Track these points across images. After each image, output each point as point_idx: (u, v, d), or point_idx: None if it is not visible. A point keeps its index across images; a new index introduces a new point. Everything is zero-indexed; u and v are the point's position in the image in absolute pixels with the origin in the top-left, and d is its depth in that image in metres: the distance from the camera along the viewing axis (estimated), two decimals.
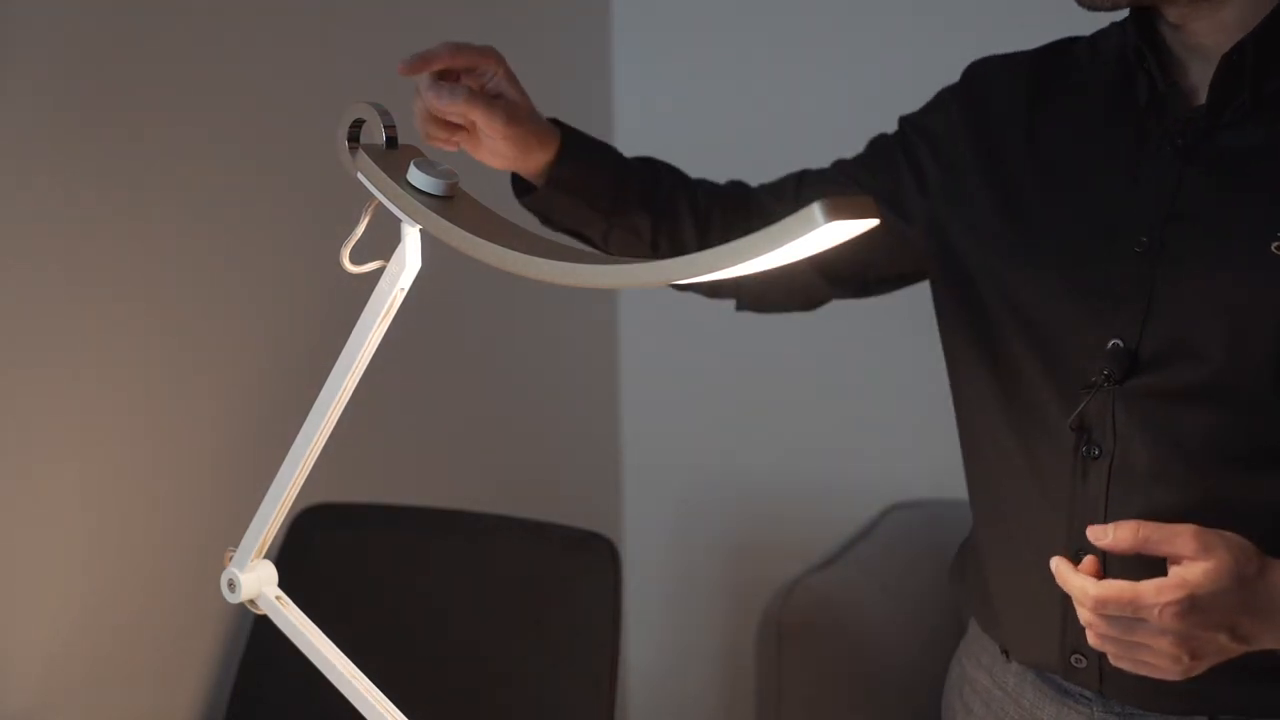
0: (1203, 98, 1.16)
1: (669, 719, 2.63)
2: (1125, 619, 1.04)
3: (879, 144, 1.41)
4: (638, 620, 2.60)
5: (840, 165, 1.45)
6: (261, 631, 1.77)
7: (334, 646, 1.09)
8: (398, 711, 1.06)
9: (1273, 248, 1.10)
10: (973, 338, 1.29)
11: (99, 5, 1.65)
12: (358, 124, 1.04)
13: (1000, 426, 1.27)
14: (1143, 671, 1.07)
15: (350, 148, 1.04)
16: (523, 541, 1.86)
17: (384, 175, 1.01)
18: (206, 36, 1.79)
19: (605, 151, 1.40)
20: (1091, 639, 1.07)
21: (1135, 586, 1.03)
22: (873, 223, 0.81)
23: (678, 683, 2.64)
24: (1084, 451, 1.17)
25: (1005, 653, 1.30)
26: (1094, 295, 1.18)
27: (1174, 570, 1.04)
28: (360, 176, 1.03)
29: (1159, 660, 1.05)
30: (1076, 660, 1.21)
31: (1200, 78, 1.17)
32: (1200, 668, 1.06)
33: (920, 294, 1.47)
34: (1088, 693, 1.22)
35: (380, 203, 1.03)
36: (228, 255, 1.82)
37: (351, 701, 1.07)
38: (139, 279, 1.72)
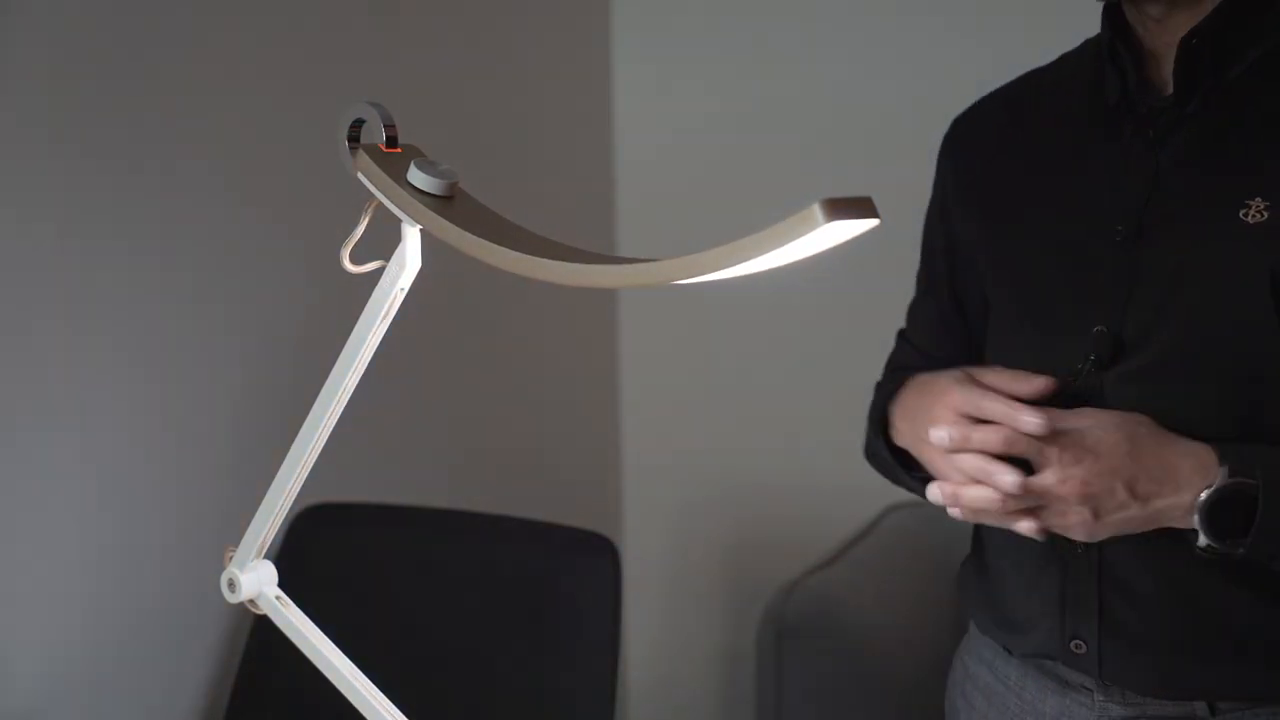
0: (1172, 88, 1.19)
1: (669, 719, 2.63)
2: (1027, 494, 1.11)
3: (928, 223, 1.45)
4: (638, 620, 2.59)
5: (918, 302, 1.48)
6: (261, 631, 1.77)
7: (334, 646, 1.09)
8: (397, 711, 1.06)
9: (1241, 215, 1.13)
10: (989, 338, 1.34)
11: (99, 5, 1.65)
12: (358, 124, 1.04)
13: None
14: (1057, 529, 1.13)
15: (350, 148, 1.04)
16: (523, 541, 1.86)
17: (384, 175, 1.01)
18: (206, 35, 1.79)
19: None
20: (995, 519, 1.14)
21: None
22: (873, 222, 0.81)
23: (678, 683, 2.64)
24: None
25: (1007, 650, 1.31)
26: (1079, 286, 1.21)
27: None
28: (360, 176, 1.03)
29: (1064, 516, 1.11)
30: (1076, 646, 1.22)
31: (1171, 69, 1.19)
32: (1104, 529, 1.11)
33: None
34: (1088, 682, 1.23)
35: (380, 203, 1.03)
36: (228, 255, 1.82)
37: (351, 701, 1.07)
38: (139, 279, 1.72)
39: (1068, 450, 1.08)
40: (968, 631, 1.41)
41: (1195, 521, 1.08)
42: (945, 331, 1.42)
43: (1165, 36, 1.19)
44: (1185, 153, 1.18)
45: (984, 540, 1.35)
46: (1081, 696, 1.24)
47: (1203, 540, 1.08)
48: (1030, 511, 1.13)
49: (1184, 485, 1.08)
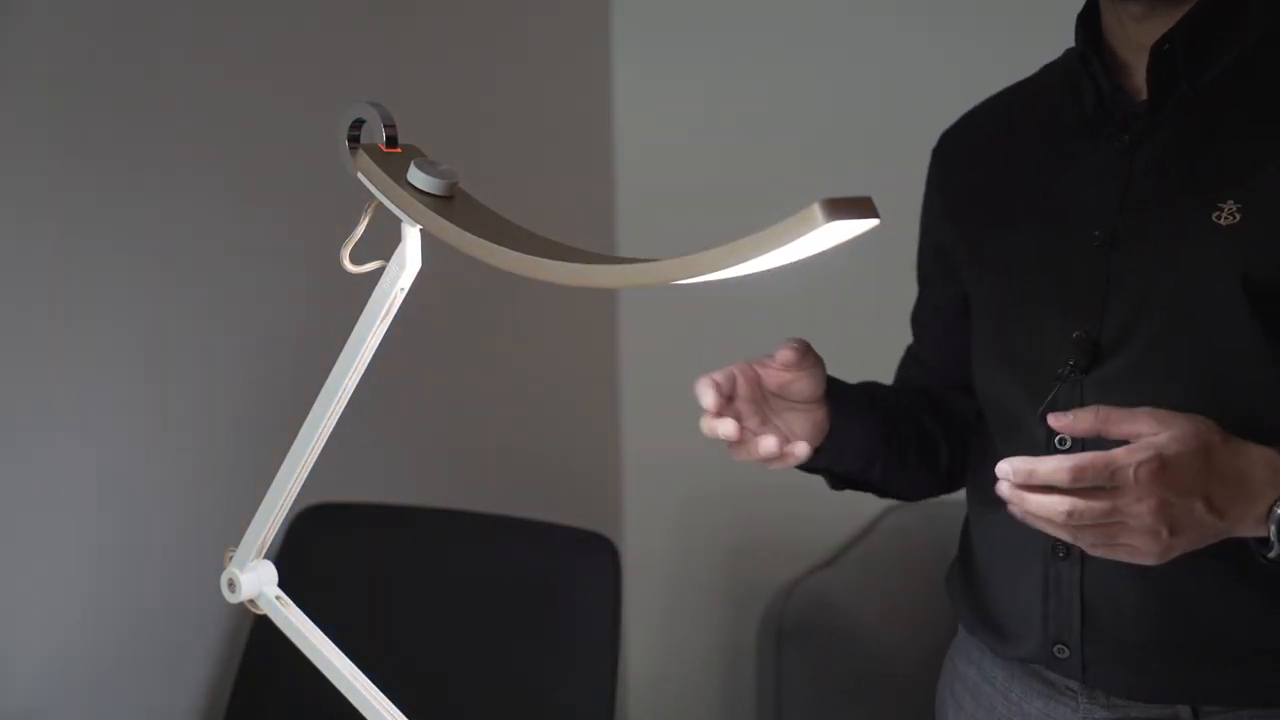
0: (1146, 94, 1.20)
1: (669, 719, 2.63)
2: (1101, 502, 1.00)
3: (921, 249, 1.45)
4: (638, 620, 2.59)
5: (917, 314, 1.48)
6: (261, 631, 1.77)
7: (334, 646, 1.09)
8: (397, 711, 1.06)
9: (1214, 217, 1.13)
10: (974, 349, 1.34)
11: (99, 5, 1.65)
12: (358, 124, 1.04)
13: (988, 425, 1.32)
14: (1121, 556, 1.04)
15: (350, 148, 1.04)
16: (523, 541, 1.86)
17: (384, 175, 1.01)
18: (206, 35, 1.79)
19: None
20: (1066, 533, 1.03)
21: (1108, 452, 1.01)
22: (873, 222, 0.81)
23: (678, 683, 2.64)
24: (1056, 443, 1.19)
25: (994, 651, 1.32)
26: (1058, 292, 1.22)
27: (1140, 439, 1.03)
28: (360, 176, 1.03)
29: (1138, 537, 1.01)
30: (1059, 651, 1.23)
31: (1144, 76, 1.20)
32: (1178, 546, 1.03)
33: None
34: (1073, 684, 1.24)
35: (380, 203, 1.03)
36: (228, 255, 1.82)
37: (351, 701, 1.07)
38: (139, 279, 1.72)
39: (1144, 467, 1.00)
40: (958, 632, 1.41)
41: (1272, 533, 1.04)
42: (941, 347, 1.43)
43: (1140, 41, 1.19)
44: (1160, 158, 1.19)
45: (971, 542, 1.36)
46: (1066, 699, 1.25)
47: (1275, 552, 1.04)
48: (1098, 529, 1.03)
49: (1257, 495, 1.04)
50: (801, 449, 1.21)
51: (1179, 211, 1.16)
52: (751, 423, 1.22)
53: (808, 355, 1.24)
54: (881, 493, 1.45)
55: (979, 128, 1.37)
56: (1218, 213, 1.13)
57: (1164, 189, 1.18)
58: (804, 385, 1.25)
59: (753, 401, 1.23)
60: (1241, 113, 1.16)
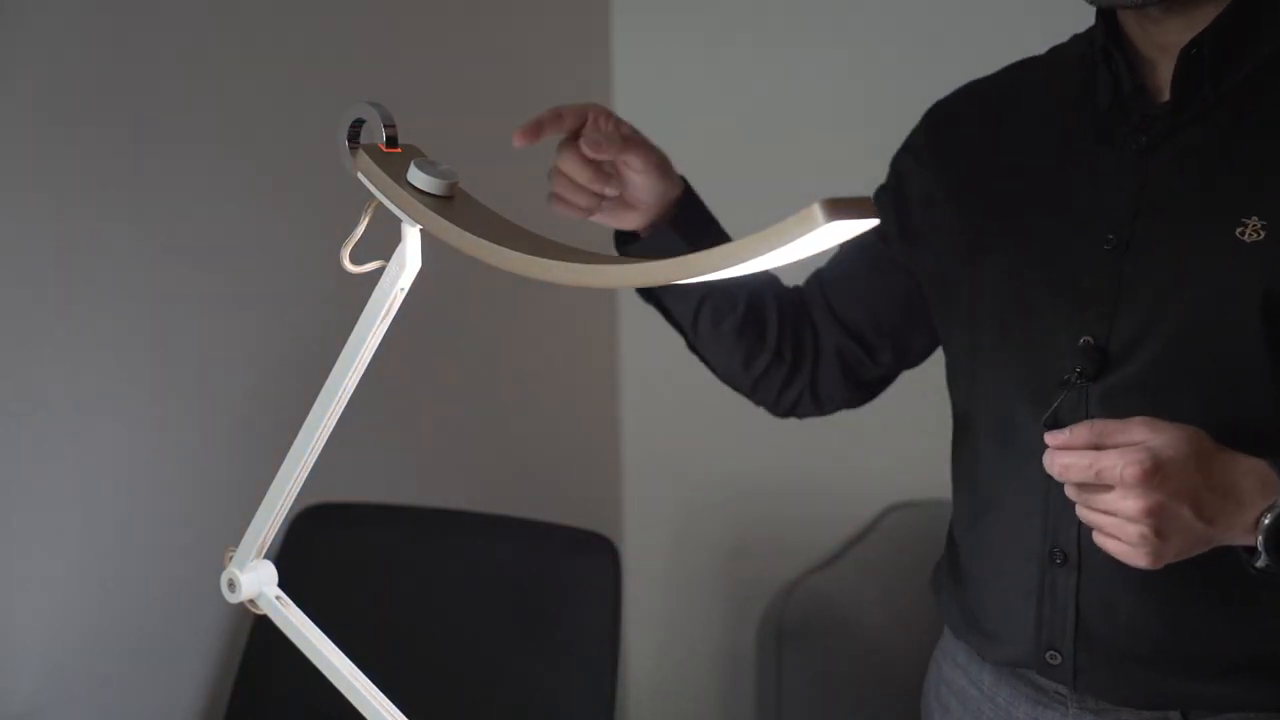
0: (1167, 95, 1.18)
1: (669, 719, 2.63)
2: (1095, 489, 1.02)
3: (876, 198, 1.42)
4: (638, 620, 2.59)
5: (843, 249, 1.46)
6: (261, 631, 1.77)
7: (334, 646, 1.09)
8: (397, 711, 1.06)
9: (1237, 233, 1.11)
10: (959, 347, 1.32)
11: (98, 6, 1.65)
12: (358, 124, 1.04)
13: (980, 429, 1.29)
14: (1114, 551, 1.04)
15: (350, 148, 1.04)
16: (523, 541, 1.86)
17: (384, 175, 1.01)
18: (205, 36, 1.79)
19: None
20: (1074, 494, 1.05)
21: (1099, 452, 1.02)
22: (873, 222, 0.81)
23: (678, 683, 2.64)
24: None
25: (981, 655, 1.30)
26: (1065, 295, 1.20)
27: None
28: (360, 176, 1.03)
29: (1127, 535, 1.02)
30: (1051, 657, 1.21)
31: (1166, 76, 1.18)
32: (1169, 551, 1.02)
33: None
34: (1062, 690, 1.23)
35: (380, 203, 1.03)
36: (228, 255, 1.82)
37: (351, 701, 1.07)
38: (139, 280, 1.72)
39: (1132, 467, 1.00)
40: (943, 635, 1.40)
41: (1259, 542, 1.04)
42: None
43: (1160, 40, 1.18)
44: (1178, 163, 1.16)
45: (958, 543, 1.34)
46: (1055, 703, 1.24)
47: (1262, 561, 1.04)
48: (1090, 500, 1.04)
49: (1246, 504, 1.04)
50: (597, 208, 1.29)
51: (1199, 222, 1.14)
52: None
53: (652, 162, 1.30)
54: (689, 345, 1.47)
55: (979, 107, 1.33)
56: (1241, 228, 1.11)
57: (1183, 196, 1.16)
58: (634, 184, 1.30)
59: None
60: (1262, 118, 1.15)
